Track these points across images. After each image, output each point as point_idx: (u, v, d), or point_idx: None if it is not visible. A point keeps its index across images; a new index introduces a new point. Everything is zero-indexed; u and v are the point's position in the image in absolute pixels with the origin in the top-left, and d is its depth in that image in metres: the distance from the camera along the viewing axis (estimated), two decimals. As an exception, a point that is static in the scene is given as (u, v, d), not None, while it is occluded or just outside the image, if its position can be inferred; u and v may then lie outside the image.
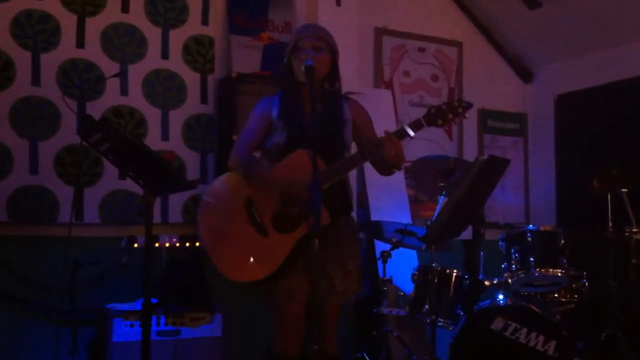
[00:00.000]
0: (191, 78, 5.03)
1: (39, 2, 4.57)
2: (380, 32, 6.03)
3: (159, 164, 3.20)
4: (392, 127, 5.11)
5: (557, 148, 6.44)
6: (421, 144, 5.61)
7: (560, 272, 4.11)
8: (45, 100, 4.56)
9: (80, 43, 4.69)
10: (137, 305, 4.22)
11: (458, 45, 6.41)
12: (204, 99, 5.07)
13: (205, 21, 5.11)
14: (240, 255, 3.19)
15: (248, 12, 5.23)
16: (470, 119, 3.17)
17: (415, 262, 5.14)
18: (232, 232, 3.22)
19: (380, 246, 4.86)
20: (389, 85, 6.04)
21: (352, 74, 5.24)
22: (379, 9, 6.02)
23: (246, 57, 5.14)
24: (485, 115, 6.50)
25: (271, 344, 3.32)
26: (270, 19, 5.31)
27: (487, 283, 4.13)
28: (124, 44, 4.82)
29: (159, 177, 3.18)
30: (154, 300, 4.03)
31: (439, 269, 4.10)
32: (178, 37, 5.00)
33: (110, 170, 4.65)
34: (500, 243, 4.35)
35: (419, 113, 3.23)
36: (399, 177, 5.39)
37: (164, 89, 4.93)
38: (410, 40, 6.17)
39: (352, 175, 3.45)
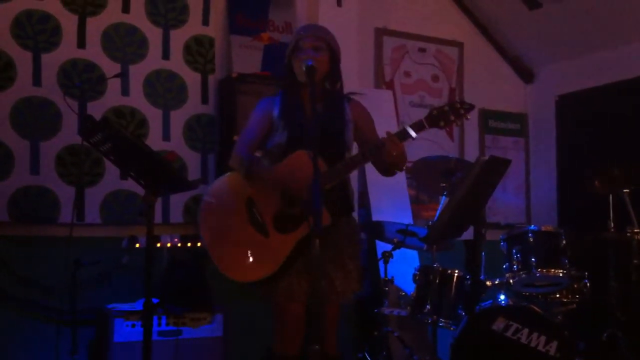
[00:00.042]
0: (192, 78, 5.03)
1: (39, 2, 4.57)
2: (381, 33, 6.03)
3: (160, 164, 3.19)
4: (393, 128, 5.12)
5: (558, 148, 6.44)
6: (422, 145, 5.61)
7: (562, 273, 4.11)
8: (46, 101, 4.56)
9: (81, 43, 4.69)
10: (138, 306, 4.22)
11: (459, 45, 6.41)
12: (204, 99, 5.07)
13: (205, 21, 5.11)
14: (241, 255, 3.19)
15: (248, 12, 5.24)
16: (471, 120, 3.17)
17: (416, 263, 5.14)
18: (233, 232, 3.22)
19: (382, 246, 4.86)
20: (389, 86, 6.04)
21: (353, 75, 5.24)
22: (379, 9, 6.02)
23: (247, 58, 5.14)
24: (486, 115, 6.50)
25: (271, 344, 3.32)
26: (271, 19, 5.31)
27: (488, 283, 4.14)
28: (124, 44, 4.83)
29: (160, 177, 3.18)
30: (155, 301, 4.03)
31: (440, 269, 4.10)
32: (179, 38, 5.00)
33: (111, 171, 4.65)
34: (501, 243, 4.35)
35: (420, 113, 3.24)
36: (400, 177, 5.39)
37: (164, 89, 4.93)
38: (411, 40, 6.17)
39: (353, 175, 3.45)
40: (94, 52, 4.72)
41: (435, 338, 4.15)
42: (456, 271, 4.10)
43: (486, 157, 3.48)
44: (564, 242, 4.21)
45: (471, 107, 3.18)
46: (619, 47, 5.84)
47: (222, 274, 3.18)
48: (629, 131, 5.69)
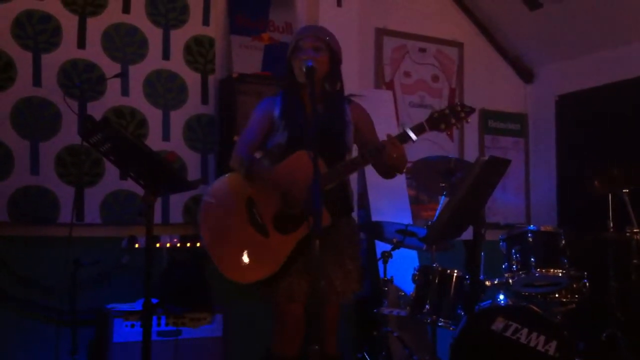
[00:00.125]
0: (192, 78, 5.03)
1: (39, 2, 4.57)
2: (381, 33, 6.03)
3: (160, 165, 3.19)
4: (393, 128, 5.13)
5: (557, 148, 6.45)
6: (422, 145, 5.57)
7: (561, 273, 4.12)
8: (46, 101, 4.56)
9: (81, 43, 4.69)
10: (137, 306, 4.22)
11: (459, 45, 6.41)
12: (204, 100, 5.07)
13: (206, 21, 5.11)
14: (241, 255, 3.19)
15: (249, 12, 5.24)
16: (471, 120, 3.18)
17: (416, 263, 5.14)
18: (233, 232, 3.22)
19: (381, 246, 4.86)
20: (389, 86, 6.04)
21: (353, 75, 5.24)
22: (379, 9, 6.02)
23: (247, 58, 5.14)
24: (486, 115, 6.50)
25: (271, 344, 3.32)
26: (271, 19, 5.31)
27: (487, 283, 4.14)
28: (125, 44, 4.83)
29: (160, 177, 3.18)
30: (154, 301, 4.03)
31: (439, 269, 4.10)
32: (179, 38, 5.00)
33: (111, 171, 4.65)
34: (501, 243, 4.35)
35: (420, 113, 3.25)
36: (399, 177, 5.33)
37: (165, 90, 4.94)
38: (411, 40, 6.17)
39: (353, 176, 3.45)
40: (94, 53, 4.72)
41: (435, 338, 4.15)
42: (455, 271, 4.11)
43: (486, 158, 3.48)
44: (564, 242, 4.21)
45: (472, 110, 3.19)
46: (619, 47, 5.84)
47: (221, 274, 3.18)
48: (628, 131, 5.69)
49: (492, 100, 6.54)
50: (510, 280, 4.16)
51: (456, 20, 6.43)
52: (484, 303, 4.09)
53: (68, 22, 4.65)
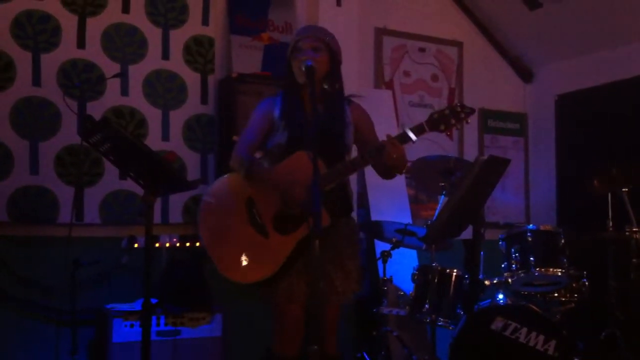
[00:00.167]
0: (191, 78, 5.04)
1: (39, 2, 4.58)
2: (381, 32, 6.03)
3: (159, 165, 3.20)
4: (393, 127, 5.12)
5: (557, 148, 6.45)
6: (421, 144, 5.52)
7: (560, 272, 4.12)
8: (46, 101, 4.56)
9: (80, 43, 4.70)
10: (136, 306, 4.22)
11: (458, 45, 6.41)
12: (204, 100, 5.07)
13: (205, 21, 5.11)
14: (240, 255, 3.19)
15: (248, 12, 5.24)
16: (471, 119, 3.18)
17: (415, 262, 5.14)
18: (233, 232, 3.22)
19: (381, 246, 4.86)
20: (389, 86, 6.04)
21: (353, 74, 5.24)
22: (379, 9, 6.02)
23: (246, 58, 5.14)
24: (485, 115, 6.50)
25: (271, 344, 3.32)
26: (271, 19, 5.31)
27: (487, 283, 4.14)
28: (124, 44, 4.83)
29: (160, 177, 3.18)
30: (154, 301, 4.03)
31: (439, 268, 4.10)
32: (178, 38, 5.01)
33: (110, 171, 4.66)
34: (500, 243, 4.35)
35: (419, 113, 3.25)
36: (399, 177, 5.33)
37: (164, 90, 4.94)
38: (411, 40, 6.17)
39: (353, 175, 3.45)
40: (94, 52, 4.73)
41: (434, 337, 4.15)
42: (455, 270, 4.11)
43: (485, 157, 3.49)
44: (563, 241, 4.22)
45: (472, 111, 3.18)
46: (619, 47, 5.84)
47: (221, 274, 3.18)
48: (628, 131, 5.69)
49: (492, 99, 6.54)
50: (510, 280, 4.16)
51: (456, 20, 6.43)
52: (483, 302, 4.10)
53: (68, 22, 4.66)
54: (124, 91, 4.81)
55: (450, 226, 3.70)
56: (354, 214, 3.52)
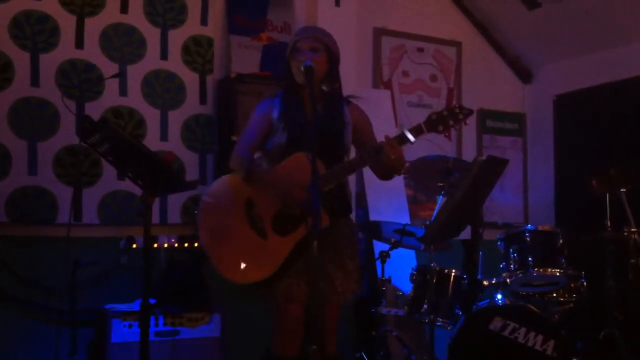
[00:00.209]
0: (190, 78, 5.04)
1: (37, 2, 4.57)
2: (380, 32, 6.03)
3: (158, 165, 3.20)
4: (391, 127, 5.12)
5: (556, 148, 6.45)
6: (420, 144, 5.51)
7: (559, 272, 4.12)
8: (44, 101, 4.56)
9: (79, 43, 4.70)
10: (135, 306, 4.22)
11: (457, 45, 6.41)
12: (203, 100, 5.08)
13: (204, 21, 5.11)
14: (239, 256, 3.19)
15: (247, 12, 5.24)
16: (469, 119, 3.19)
17: (413, 262, 5.13)
18: (232, 233, 3.22)
19: (379, 246, 4.86)
20: (387, 86, 6.04)
21: (351, 74, 5.24)
22: (378, 9, 6.02)
23: (245, 58, 5.14)
24: (484, 115, 6.51)
25: (271, 344, 3.32)
26: (269, 19, 5.31)
27: (485, 283, 4.14)
28: (123, 44, 4.83)
29: (158, 177, 3.19)
30: (152, 301, 4.03)
31: (437, 268, 4.10)
32: (177, 38, 5.01)
33: (109, 171, 4.66)
34: (498, 243, 4.35)
35: (418, 113, 3.25)
36: (397, 177, 5.36)
37: (163, 90, 4.94)
38: (410, 40, 6.17)
39: (352, 176, 3.45)
40: (92, 53, 4.73)
41: (433, 337, 4.15)
42: (453, 271, 4.10)
43: (484, 157, 3.49)
44: (561, 241, 4.22)
45: (470, 112, 3.19)
46: (617, 47, 5.85)
47: (219, 274, 3.18)
48: (626, 131, 5.69)
49: (491, 99, 6.54)
50: (508, 280, 4.16)
51: (454, 20, 6.43)
52: (482, 302, 4.10)
53: (66, 22, 4.66)
54: (123, 91, 4.81)
55: (449, 226, 3.70)
56: (353, 214, 3.52)
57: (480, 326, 3.91)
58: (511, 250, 4.22)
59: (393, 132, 3.19)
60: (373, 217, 5.29)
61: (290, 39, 3.43)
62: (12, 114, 4.48)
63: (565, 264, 4.15)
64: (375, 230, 4.65)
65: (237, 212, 3.23)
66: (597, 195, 4.68)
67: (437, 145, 6.00)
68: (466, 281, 4.04)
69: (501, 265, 4.27)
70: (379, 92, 5.92)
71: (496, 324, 3.89)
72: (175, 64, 4.99)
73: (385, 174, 3.38)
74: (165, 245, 4.67)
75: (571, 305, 4.29)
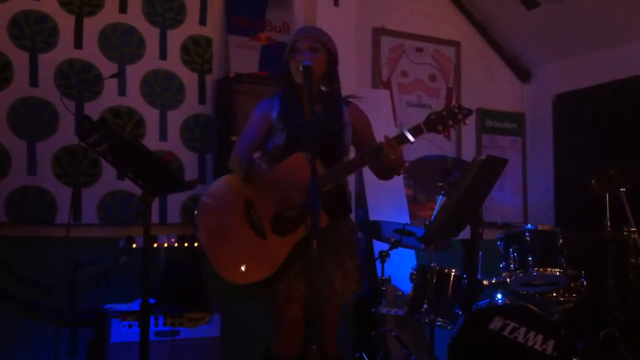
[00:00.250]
0: (189, 78, 5.03)
1: (36, 2, 4.57)
2: (379, 32, 6.03)
3: (157, 165, 3.20)
4: (391, 127, 5.12)
5: (555, 148, 6.45)
6: (419, 144, 5.49)
7: (559, 272, 4.12)
8: (43, 101, 4.56)
9: (78, 43, 4.69)
10: (135, 306, 4.22)
11: (456, 45, 6.41)
12: (202, 100, 5.07)
13: (203, 21, 5.11)
14: (238, 256, 3.19)
15: (246, 12, 5.23)
16: (469, 119, 3.21)
17: (413, 262, 5.14)
18: (231, 233, 3.22)
19: (379, 246, 4.86)
20: (387, 86, 6.04)
21: (350, 74, 5.24)
22: (377, 9, 6.02)
23: (244, 58, 5.14)
24: (483, 115, 6.51)
25: (270, 345, 3.32)
26: (268, 19, 5.31)
27: (485, 282, 4.14)
28: (122, 44, 4.82)
29: (158, 177, 3.18)
30: (152, 301, 4.03)
31: (437, 268, 4.10)
32: (176, 38, 5.00)
33: (108, 171, 4.65)
34: (498, 242, 4.35)
35: (417, 113, 3.25)
36: (397, 177, 5.36)
37: (162, 90, 4.94)
38: (409, 40, 6.17)
39: (351, 175, 3.45)
40: (91, 53, 4.72)
41: (433, 337, 4.15)
42: (453, 270, 4.10)
43: (483, 157, 3.49)
44: (561, 241, 4.22)
45: (469, 112, 3.19)
46: (616, 47, 5.85)
47: (219, 274, 3.18)
48: (626, 130, 5.70)
49: (490, 99, 6.55)
50: (508, 280, 4.16)
51: (453, 20, 6.43)
52: (482, 302, 4.10)
53: (65, 22, 4.65)
54: (122, 91, 4.80)
55: (449, 226, 3.70)
56: (352, 214, 3.52)
57: (480, 326, 3.91)
58: (511, 250, 4.22)
59: (392, 132, 3.19)
60: (373, 216, 5.29)
61: (289, 39, 3.43)
62: (11, 114, 4.47)
63: (565, 263, 4.15)
64: (375, 230, 4.65)
65: (237, 212, 3.23)
66: (597, 195, 4.68)
67: (436, 145, 6.00)
68: (466, 281, 4.04)
69: (501, 265, 4.27)
70: (378, 92, 5.92)
71: (496, 323, 3.89)
72: (174, 64, 4.99)
73: (384, 174, 3.39)
74: (165, 245, 4.67)
75: (571, 305, 4.29)
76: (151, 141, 4.80)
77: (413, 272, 4.21)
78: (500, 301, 4.08)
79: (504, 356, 3.86)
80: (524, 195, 6.68)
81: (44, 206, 4.53)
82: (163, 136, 4.92)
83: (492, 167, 3.52)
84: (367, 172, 5.03)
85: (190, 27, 5.05)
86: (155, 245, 4.60)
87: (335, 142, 3.30)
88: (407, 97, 6.13)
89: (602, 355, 4.49)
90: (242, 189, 3.26)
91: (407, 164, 4.14)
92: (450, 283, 4.07)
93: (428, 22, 6.27)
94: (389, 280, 4.50)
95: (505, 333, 3.87)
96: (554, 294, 4.30)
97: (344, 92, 3.46)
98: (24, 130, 4.50)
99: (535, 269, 4.11)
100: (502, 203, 6.46)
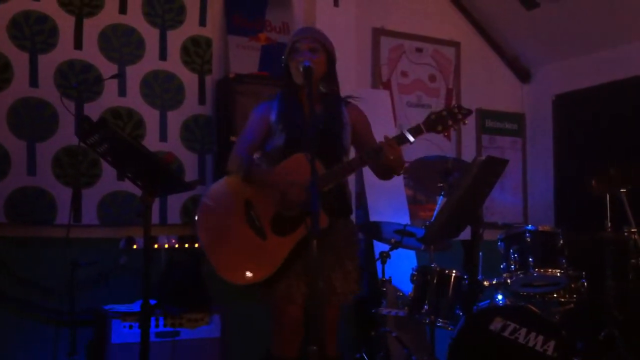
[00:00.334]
0: (189, 79, 5.03)
1: (36, 3, 4.57)
2: (378, 33, 6.03)
3: (157, 165, 3.19)
4: (391, 128, 5.12)
5: (555, 148, 6.45)
6: (420, 145, 5.50)
7: (559, 272, 4.12)
8: (43, 102, 4.55)
9: (78, 44, 4.69)
10: (135, 307, 4.22)
11: (456, 45, 6.41)
12: (202, 100, 5.07)
13: (203, 22, 5.11)
14: (238, 257, 3.18)
15: (245, 12, 5.23)
16: (469, 120, 3.20)
17: (414, 263, 5.14)
18: (231, 234, 3.21)
19: (379, 247, 4.86)
20: (386, 86, 6.04)
21: (350, 75, 5.24)
22: (376, 9, 6.02)
23: (244, 58, 5.13)
24: (483, 115, 6.50)
25: (270, 345, 3.31)
26: (268, 19, 5.31)
27: (486, 283, 4.14)
28: (121, 45, 4.82)
29: (158, 178, 3.18)
30: (152, 302, 4.02)
31: (437, 269, 4.10)
32: (176, 38, 5.00)
33: (108, 172, 4.65)
34: (499, 243, 4.35)
35: (417, 113, 3.25)
36: (397, 177, 5.33)
37: (162, 90, 4.93)
38: (408, 40, 6.17)
39: (351, 176, 3.45)
40: (91, 53, 4.72)
41: (433, 338, 4.14)
42: (454, 271, 4.10)
43: (483, 157, 3.48)
44: (562, 241, 4.21)
45: (469, 112, 3.19)
46: (616, 47, 5.85)
47: (219, 275, 3.17)
48: (626, 131, 5.69)
49: (490, 100, 6.55)
50: (509, 280, 4.16)
51: (453, 20, 6.43)
52: (482, 303, 4.09)
53: (65, 22, 4.65)
54: (122, 92, 4.80)
55: (449, 227, 3.70)
56: (353, 215, 3.51)
57: (480, 327, 3.91)
58: (511, 250, 4.22)
59: (392, 133, 3.19)
60: (373, 217, 5.29)
61: (289, 40, 3.43)
62: (11, 115, 4.47)
63: (565, 264, 4.15)
64: (375, 230, 4.65)
65: (237, 212, 3.23)
66: (597, 195, 4.68)
67: (436, 145, 6.00)
68: (467, 282, 4.04)
69: (501, 266, 4.27)
70: (378, 92, 5.92)
71: (497, 324, 3.88)
72: (174, 65, 4.98)
73: (384, 174, 3.39)
74: (166, 245, 4.67)
75: (572, 305, 4.29)
76: (151, 142, 4.80)
77: (413, 272, 4.21)
78: (500, 302, 4.08)
79: (505, 357, 3.85)
80: (524, 196, 6.68)
81: (44, 207, 4.52)
82: (163, 137, 4.92)
83: (492, 168, 3.51)
84: (367, 172, 5.04)
85: (190, 27, 5.05)
86: (155, 246, 4.60)
87: (335, 143, 3.30)
88: (407, 98, 6.13)
89: (602, 356, 4.49)
90: (242, 190, 3.26)
91: (406, 165, 4.14)
92: (451, 284, 4.07)
93: (428, 23, 6.27)
94: (389, 281, 4.50)
95: (506, 334, 3.87)
96: (555, 295, 4.30)
97: (344, 93, 3.46)
98: (24, 131, 4.50)
99: (536, 269, 4.11)
100: (502, 203, 6.45)
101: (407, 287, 4.31)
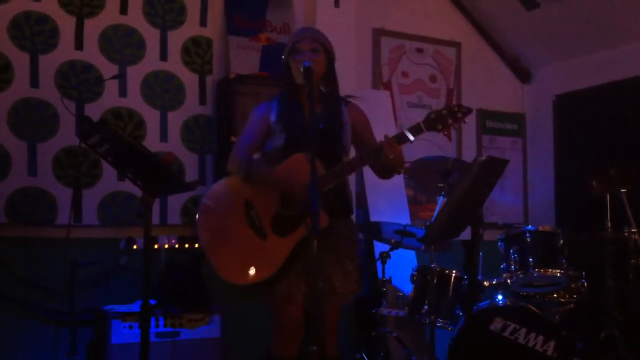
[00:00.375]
0: (190, 79, 5.03)
1: (37, 3, 4.57)
2: (379, 33, 6.03)
3: (157, 166, 3.19)
4: (391, 128, 5.13)
5: (555, 148, 6.45)
6: (420, 145, 5.55)
7: (559, 273, 4.12)
8: (44, 102, 4.56)
9: (78, 45, 4.69)
10: (135, 307, 4.22)
11: (456, 45, 6.41)
12: (202, 100, 5.07)
13: (203, 22, 5.11)
14: (238, 257, 3.19)
15: (246, 13, 5.23)
16: (469, 120, 3.20)
17: (414, 263, 5.14)
18: (231, 234, 3.22)
19: (379, 247, 4.86)
20: (387, 86, 6.04)
21: (351, 75, 5.24)
22: (377, 9, 6.02)
23: (244, 58, 5.13)
24: (483, 115, 6.51)
25: (270, 345, 3.32)
26: (268, 19, 5.31)
27: (486, 283, 4.14)
28: (122, 45, 4.83)
29: (158, 178, 3.18)
30: (152, 302, 4.02)
31: (438, 269, 4.10)
32: (176, 39, 5.00)
33: (109, 172, 4.65)
34: (499, 243, 4.35)
35: (417, 114, 3.25)
36: (398, 178, 5.33)
37: (162, 90, 4.94)
38: (409, 41, 6.17)
39: (352, 176, 3.45)
40: (92, 54, 4.72)
41: (433, 338, 4.15)
42: (454, 271, 4.10)
43: (484, 158, 3.48)
44: (562, 242, 4.21)
45: (469, 110, 3.19)
46: (617, 47, 5.85)
47: (219, 275, 3.18)
48: (626, 131, 5.69)
49: (490, 100, 6.55)
50: (509, 281, 4.16)
51: (454, 21, 6.43)
52: (482, 303, 4.10)
53: (65, 23, 4.65)
54: (122, 92, 4.80)
55: (449, 227, 3.70)
56: (353, 216, 3.52)
57: (480, 327, 3.91)
58: (511, 250, 4.22)
59: (393, 133, 3.19)
60: (373, 217, 5.29)
61: (289, 40, 3.43)
62: (12, 115, 4.47)
63: (565, 264, 4.15)
64: (376, 230, 4.65)
65: (237, 212, 3.24)
66: (597, 195, 4.68)
67: (437, 145, 6.01)
68: (467, 282, 4.04)
69: (502, 266, 4.27)
70: (379, 92, 5.92)
71: (497, 324, 3.88)
72: (175, 65, 4.99)
73: (384, 173, 3.40)
74: (166, 246, 4.67)
75: (572, 305, 4.29)
76: (152, 142, 4.80)
77: (414, 273, 4.21)
78: (501, 302, 4.08)
79: (505, 357, 3.85)
80: (525, 196, 6.68)
81: (45, 207, 4.53)
82: (163, 137, 4.92)
83: (493, 168, 3.51)
84: (367, 172, 5.04)
85: (190, 28, 5.05)
86: (155, 246, 4.61)
87: (335, 142, 3.30)
88: (407, 98, 6.13)
89: (602, 356, 4.49)
90: (242, 190, 3.27)
91: (407, 164, 4.14)
92: (451, 284, 4.07)
93: (428, 23, 6.27)
94: (389, 281, 4.50)
95: (506, 334, 3.87)
96: (555, 295, 4.30)
97: (344, 93, 3.46)
98: (25, 131, 4.50)
99: (536, 269, 4.11)
100: (502, 204, 6.46)
101: (407, 287, 4.32)
